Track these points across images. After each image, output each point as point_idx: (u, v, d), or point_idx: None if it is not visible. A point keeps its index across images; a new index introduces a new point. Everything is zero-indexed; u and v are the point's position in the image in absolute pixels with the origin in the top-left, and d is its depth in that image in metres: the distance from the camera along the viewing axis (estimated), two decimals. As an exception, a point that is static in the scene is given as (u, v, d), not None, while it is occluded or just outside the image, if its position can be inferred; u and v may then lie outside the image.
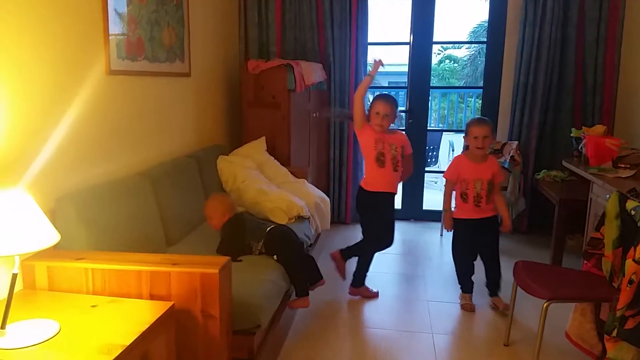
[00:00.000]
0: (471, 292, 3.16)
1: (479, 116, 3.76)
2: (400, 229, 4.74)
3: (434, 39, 4.63)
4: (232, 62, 4.41)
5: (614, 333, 2.11)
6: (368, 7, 4.41)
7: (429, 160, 5.71)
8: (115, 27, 2.57)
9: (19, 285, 1.94)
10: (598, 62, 4.20)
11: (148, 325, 1.67)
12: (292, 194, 3.40)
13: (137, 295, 1.92)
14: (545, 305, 2.23)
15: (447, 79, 17.00)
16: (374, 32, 4.80)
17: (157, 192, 2.70)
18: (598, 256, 2.48)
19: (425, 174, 5.01)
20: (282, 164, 3.91)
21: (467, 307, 3.11)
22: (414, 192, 4.92)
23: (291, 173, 3.85)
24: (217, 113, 4.11)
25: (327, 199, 3.76)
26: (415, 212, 4.93)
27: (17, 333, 1.58)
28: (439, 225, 4.61)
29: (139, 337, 1.61)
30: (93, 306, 1.83)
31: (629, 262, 2.14)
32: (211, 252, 2.57)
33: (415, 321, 2.99)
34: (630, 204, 2.29)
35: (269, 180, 3.62)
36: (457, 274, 3.20)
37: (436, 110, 8.70)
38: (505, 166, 4.30)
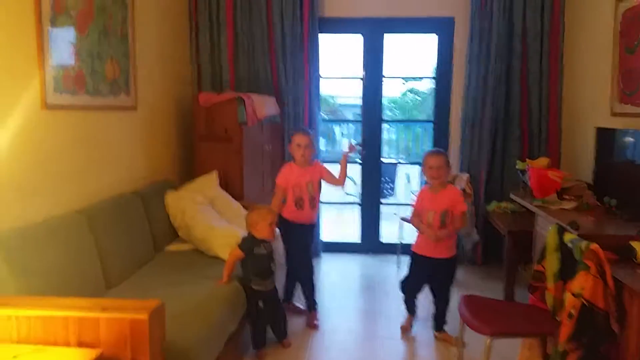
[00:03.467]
0: (413, 314, 3.26)
1: (436, 148, 3.84)
2: (359, 262, 4.72)
3: (387, 73, 4.73)
4: (184, 94, 4.36)
5: (557, 368, 2.12)
6: (319, 42, 4.45)
7: (385, 192, 5.73)
8: (53, 60, 2.50)
9: None
10: (542, 93, 4.35)
11: (69, 378, 1.58)
12: (243, 229, 3.33)
13: (64, 343, 1.82)
14: (488, 341, 2.22)
15: (409, 112, 17.41)
16: (328, 66, 4.86)
17: (95, 230, 2.60)
18: (542, 289, 2.50)
19: (382, 206, 5.00)
20: (235, 197, 3.84)
21: (403, 329, 3.24)
22: (372, 224, 4.90)
23: (244, 207, 3.78)
24: (167, 147, 4.03)
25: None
26: (372, 245, 4.90)
27: None
28: (395, 258, 4.62)
29: (58, 391, 1.52)
30: (14, 357, 1.71)
31: (567, 295, 2.17)
32: (151, 295, 2.43)
33: (366, 358, 2.93)
34: (567, 237, 2.33)
35: (219, 216, 3.55)
36: (404, 299, 3.27)
37: (395, 142, 8.84)
38: (457, 198, 4.36)
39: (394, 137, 10.98)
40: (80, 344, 1.80)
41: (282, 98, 4.48)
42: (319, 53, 4.48)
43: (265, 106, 4.12)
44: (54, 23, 2.50)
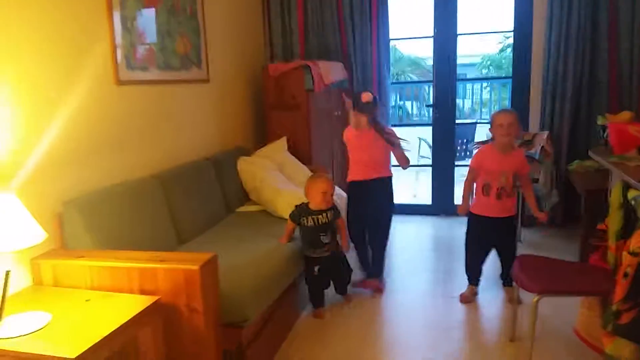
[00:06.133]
0: (476, 284, 3.15)
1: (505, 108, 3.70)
2: (430, 224, 4.70)
3: (463, 31, 4.56)
4: (256, 67, 4.52)
5: (609, 328, 2.03)
6: (388, 3, 4.39)
7: (463, 153, 5.58)
8: (124, 40, 2.74)
9: (28, 282, 2.14)
10: (635, 44, 3.96)
11: (128, 318, 1.81)
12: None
13: (128, 291, 2.06)
14: (535, 299, 2.17)
15: (506, 69, 16.49)
16: (397, 27, 4.77)
17: (169, 193, 2.85)
18: (604, 248, 2.38)
19: (457, 168, 4.91)
20: (303, 162, 3.99)
21: (464, 298, 3.11)
22: (445, 186, 4.84)
23: (311, 171, 3.91)
24: (240, 116, 4.24)
25: (345, 195, 3.78)
26: (446, 207, 4.83)
27: (12, 324, 1.75)
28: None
29: (118, 328, 1.75)
30: (87, 300, 1.99)
31: (624, 254, 2.06)
32: (215, 249, 2.60)
33: (425, 316, 2.98)
34: (631, 193, 2.19)
35: (288, 180, 3.71)
36: (465, 265, 3.18)
37: (478, 101, 8.50)
38: (536, 157, 4.15)
39: (488, 96, 10.60)
40: (142, 292, 2.04)
41: (350, 64, 4.50)
42: (388, 16, 4.42)
43: (331, 72, 4.17)
44: (123, 5, 2.73)
